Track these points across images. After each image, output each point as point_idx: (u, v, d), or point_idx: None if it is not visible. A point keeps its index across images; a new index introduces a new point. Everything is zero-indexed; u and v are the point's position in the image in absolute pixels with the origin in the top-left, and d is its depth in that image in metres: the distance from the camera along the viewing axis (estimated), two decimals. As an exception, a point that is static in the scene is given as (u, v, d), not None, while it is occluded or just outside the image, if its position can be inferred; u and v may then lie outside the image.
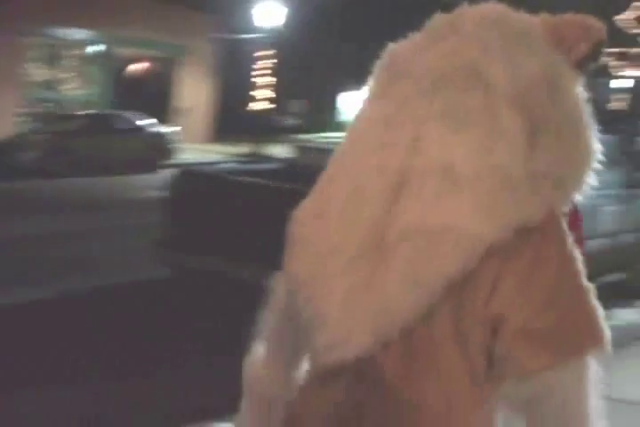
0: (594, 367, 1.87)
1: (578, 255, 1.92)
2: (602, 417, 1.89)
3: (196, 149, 29.78)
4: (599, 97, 63.21)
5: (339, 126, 39.77)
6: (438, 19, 2.07)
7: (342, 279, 1.91)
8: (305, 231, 2.02)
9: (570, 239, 1.92)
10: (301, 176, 9.16)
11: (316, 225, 2.00)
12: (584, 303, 1.89)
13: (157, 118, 27.03)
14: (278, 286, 2.15)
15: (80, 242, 12.33)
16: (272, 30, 31.26)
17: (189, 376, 7.01)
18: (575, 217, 1.77)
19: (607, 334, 1.88)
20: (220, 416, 5.95)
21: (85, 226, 13.74)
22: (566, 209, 1.95)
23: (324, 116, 42.55)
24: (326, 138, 11.04)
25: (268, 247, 7.77)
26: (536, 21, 2.01)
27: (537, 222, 1.86)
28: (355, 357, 1.88)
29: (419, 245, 1.85)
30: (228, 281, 8.05)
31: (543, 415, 1.89)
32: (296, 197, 7.22)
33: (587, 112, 1.97)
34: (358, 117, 2.10)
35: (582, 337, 1.87)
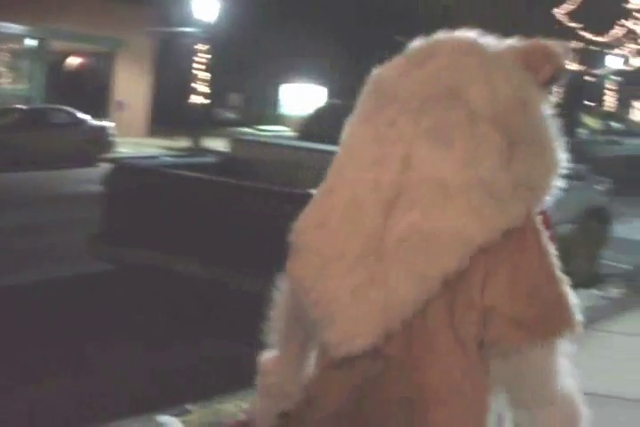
0: (566, 346, 2.26)
1: (552, 250, 2.25)
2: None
3: (135, 143, 29.61)
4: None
5: (278, 119, 39.84)
6: (417, 45, 2.34)
7: (347, 281, 2.18)
8: (307, 240, 2.27)
9: (545, 236, 2.24)
10: (237, 169, 9.21)
11: (317, 234, 2.25)
12: (560, 292, 2.24)
13: (95, 112, 26.82)
14: (281, 290, 2.44)
15: (18, 236, 12.21)
16: (209, 24, 31.14)
17: (127, 370, 6.98)
18: (545, 217, 1.98)
19: (579, 318, 2.25)
20: (161, 408, 5.97)
21: (23, 220, 13.61)
22: (539, 210, 2.26)
23: (264, 110, 42.52)
24: (265, 131, 11.04)
25: (203, 241, 7.85)
26: (506, 47, 2.31)
27: (517, 223, 2.18)
28: (362, 350, 2.17)
29: (417, 246, 2.14)
30: (165, 275, 8.03)
31: (522, 387, 2.25)
32: (232, 189, 7.34)
33: (553, 126, 2.28)
34: (350, 135, 2.34)
35: (559, 321, 2.23)
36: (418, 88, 2.27)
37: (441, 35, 2.35)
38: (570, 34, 51.59)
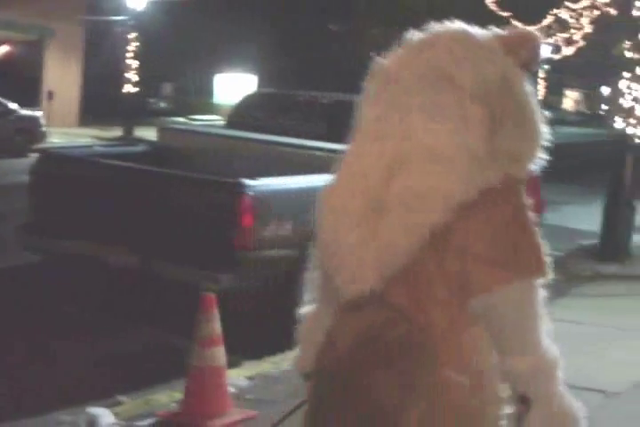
0: (539, 290, 2.60)
1: (529, 210, 2.65)
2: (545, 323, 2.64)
3: (66, 133, 29.27)
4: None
5: (212, 109, 39.64)
6: (416, 35, 2.78)
7: (354, 233, 2.63)
8: (325, 202, 2.76)
9: (524, 199, 2.67)
10: (166, 158, 9.15)
11: (332, 197, 2.73)
12: (532, 241, 2.63)
13: (25, 102, 26.46)
14: (315, 254, 2.83)
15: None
16: (139, 12, 30.88)
17: (57, 361, 6.91)
18: (535, 185, 2.38)
19: (548, 263, 2.61)
20: (92, 400, 5.91)
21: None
22: (524, 177, 2.69)
23: (197, 99, 42.30)
24: (198, 120, 10.97)
25: (133, 230, 7.79)
26: (492, 35, 2.74)
27: (494, 185, 2.61)
28: (368, 291, 2.60)
29: (409, 203, 2.58)
30: (94, 265, 7.94)
31: (499, 324, 2.61)
32: (160, 178, 7.21)
33: (534, 102, 2.72)
34: (359, 115, 2.78)
35: (530, 264, 2.60)
36: (416, 72, 2.71)
37: (438, 27, 2.78)
38: (500, 22, 52.00)
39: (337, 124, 9.51)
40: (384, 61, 2.82)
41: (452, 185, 2.61)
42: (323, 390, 2.80)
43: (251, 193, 7.19)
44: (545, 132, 2.75)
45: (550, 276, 2.61)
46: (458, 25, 2.78)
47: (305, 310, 2.99)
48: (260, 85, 37.89)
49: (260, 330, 7.49)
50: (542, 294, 2.62)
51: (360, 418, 2.66)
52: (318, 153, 8.47)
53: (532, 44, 2.76)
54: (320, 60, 41.47)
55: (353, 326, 2.70)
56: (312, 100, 10.01)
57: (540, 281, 2.61)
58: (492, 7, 41.14)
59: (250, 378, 6.50)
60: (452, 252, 2.60)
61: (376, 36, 45.17)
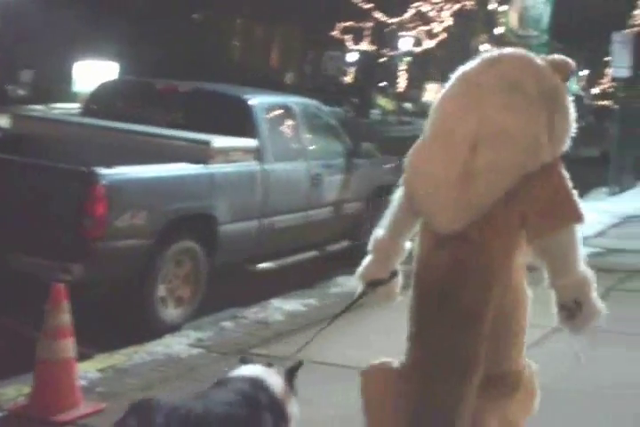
0: (579, 232, 4.12)
1: (568, 178, 4.14)
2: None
3: None
4: (331, 69, 63.99)
5: (72, 96, 38.90)
6: (485, 55, 4.34)
7: (452, 192, 4.07)
8: (421, 168, 4.21)
9: (564, 170, 4.16)
10: (20, 146, 8.91)
11: (426, 162, 4.20)
12: (572, 198, 4.12)
13: None
14: (399, 194, 4.36)
15: None
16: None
17: None
18: (562, 159, 4.47)
19: (584, 213, 4.09)
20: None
21: None
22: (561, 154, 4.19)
23: (57, 87, 41.44)
24: (58, 108, 10.71)
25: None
26: (542, 59, 4.27)
27: (548, 161, 4.09)
28: (458, 230, 4.06)
29: (492, 171, 4.02)
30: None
31: (555, 257, 4.11)
32: (11, 166, 6.92)
33: (571, 104, 4.22)
34: (442, 105, 4.27)
35: (571, 215, 4.10)
36: (492, 80, 4.17)
37: (503, 50, 4.33)
38: (363, 15, 52.51)
39: (195, 112, 9.52)
40: (465, 69, 4.28)
41: (522, 160, 4.06)
42: (423, 299, 4.24)
43: (104, 182, 7.05)
44: (574, 124, 4.23)
45: (584, 221, 4.12)
46: (515, 49, 4.40)
47: (379, 232, 4.48)
48: (121, 73, 37.33)
49: (111, 322, 7.39)
50: (580, 233, 4.16)
51: (454, 317, 4.12)
52: (176, 142, 8.40)
53: (569, 68, 4.31)
54: (183, 48, 41.14)
55: (442, 255, 4.15)
56: (171, 89, 9.89)
57: (579, 226, 4.13)
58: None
59: (101, 371, 6.39)
60: (517, 207, 4.09)
61: (237, 27, 45.14)
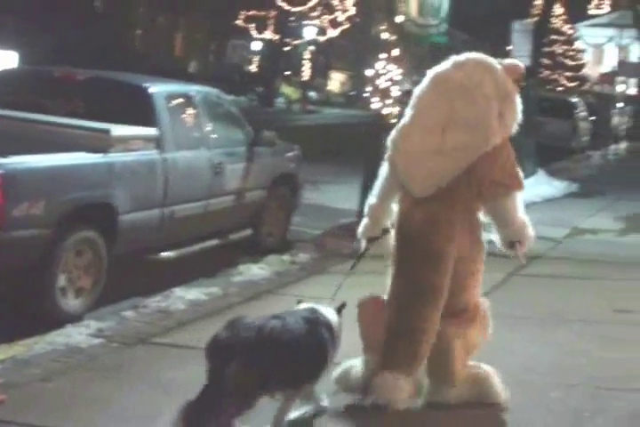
0: (520, 197, 5.76)
1: (514, 156, 5.76)
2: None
3: None
4: (235, 58, 63.65)
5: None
6: (451, 59, 5.79)
7: (426, 164, 5.57)
8: (401, 145, 5.72)
9: (511, 148, 5.77)
10: None
11: (407, 142, 5.70)
12: (516, 169, 5.72)
13: None
14: (386, 167, 5.83)
15: None
16: None
17: None
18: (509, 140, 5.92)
19: (523, 182, 5.78)
20: None
21: None
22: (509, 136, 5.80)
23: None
24: None
25: None
26: (499, 63, 5.76)
27: (499, 142, 5.62)
28: (430, 193, 5.58)
29: (459, 149, 5.55)
30: None
31: (501, 216, 5.73)
32: None
33: (519, 101, 5.74)
34: (421, 98, 5.76)
35: (517, 183, 5.72)
36: (458, 79, 5.64)
37: (469, 55, 5.80)
38: (267, 3, 52.41)
39: (95, 101, 9.44)
40: (437, 71, 5.77)
41: (481, 143, 5.56)
42: (403, 244, 5.72)
43: (0, 171, 6.97)
44: (520, 114, 5.75)
45: (524, 188, 5.80)
46: (478, 54, 5.84)
47: (372, 199, 5.94)
48: (21, 63, 36.73)
49: (11, 312, 7.32)
50: (521, 198, 5.75)
51: (426, 256, 5.57)
52: (74, 131, 8.32)
53: (519, 71, 5.81)
54: (85, 38, 40.60)
55: (417, 212, 5.64)
56: (70, 77, 9.78)
57: (520, 192, 5.73)
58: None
59: (0, 362, 6.33)
60: (476, 177, 5.58)
61: (140, 16, 44.70)
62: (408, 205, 5.69)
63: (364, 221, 5.97)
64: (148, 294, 8.37)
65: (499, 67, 5.71)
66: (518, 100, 5.69)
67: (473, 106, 5.58)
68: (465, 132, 5.54)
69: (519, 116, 5.70)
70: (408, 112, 5.77)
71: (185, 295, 8.32)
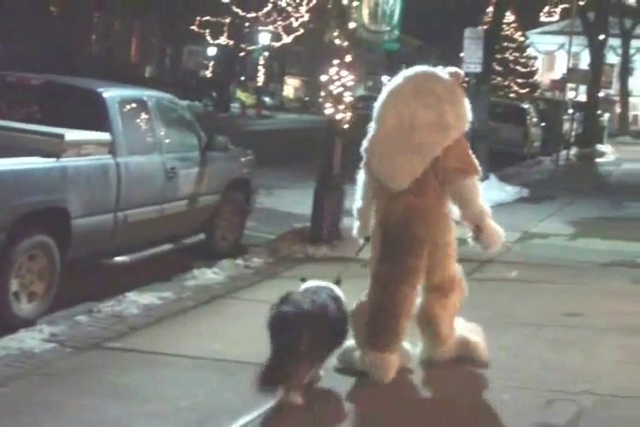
0: (478, 181, 6.62)
1: (469, 147, 6.72)
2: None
3: None
4: (190, 64, 63.53)
5: None
6: (400, 74, 6.74)
7: (396, 161, 6.48)
8: (380, 148, 6.63)
9: (466, 142, 6.71)
10: None
11: (378, 147, 6.64)
12: (471, 158, 6.66)
13: None
14: (363, 173, 6.78)
15: None
16: None
17: None
18: (465, 136, 6.69)
19: (480, 169, 6.72)
20: None
21: None
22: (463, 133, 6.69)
23: None
24: None
25: None
26: (446, 72, 6.72)
27: (456, 137, 6.56)
28: (404, 187, 6.45)
29: (422, 146, 6.45)
30: None
31: (463, 197, 6.54)
32: None
33: (465, 98, 6.71)
34: (383, 106, 6.64)
35: (473, 170, 6.60)
36: (412, 88, 6.60)
37: (414, 67, 6.76)
38: (222, 9, 52.39)
39: (49, 105, 9.41)
40: (394, 82, 6.65)
41: (441, 139, 6.45)
42: (388, 233, 6.53)
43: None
44: (470, 113, 6.65)
45: (481, 175, 6.74)
46: (425, 67, 6.78)
47: (358, 203, 6.82)
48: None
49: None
50: (478, 183, 6.57)
51: (405, 242, 6.45)
52: (28, 135, 8.30)
53: (459, 75, 6.71)
54: (40, 42, 40.36)
55: (397, 204, 6.48)
56: (23, 82, 9.75)
57: (477, 177, 6.57)
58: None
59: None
60: (440, 167, 6.43)
61: (96, 21, 44.43)
62: (387, 199, 6.57)
63: (357, 223, 6.95)
64: (101, 298, 8.36)
65: (444, 75, 6.68)
66: (465, 99, 6.69)
67: (431, 109, 6.50)
68: (429, 131, 6.45)
69: (470, 114, 6.66)
70: (372, 125, 6.69)
71: (139, 300, 8.32)
